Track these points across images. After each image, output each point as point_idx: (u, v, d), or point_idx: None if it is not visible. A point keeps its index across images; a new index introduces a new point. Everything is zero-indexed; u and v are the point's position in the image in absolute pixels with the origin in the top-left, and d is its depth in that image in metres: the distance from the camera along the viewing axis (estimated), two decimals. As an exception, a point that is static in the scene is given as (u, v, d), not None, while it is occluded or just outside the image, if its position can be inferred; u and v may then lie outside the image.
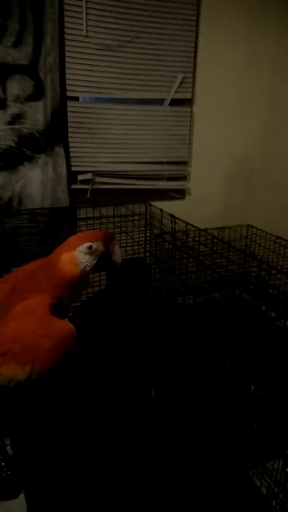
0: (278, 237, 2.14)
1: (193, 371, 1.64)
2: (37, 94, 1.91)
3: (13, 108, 1.88)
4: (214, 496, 1.28)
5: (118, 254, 1.11)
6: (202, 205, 2.47)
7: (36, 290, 1.03)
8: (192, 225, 1.94)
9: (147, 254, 2.32)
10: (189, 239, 1.99)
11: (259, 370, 1.52)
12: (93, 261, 1.06)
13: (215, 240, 1.90)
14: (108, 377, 1.61)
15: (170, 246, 1.94)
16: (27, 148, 1.95)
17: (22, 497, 1.32)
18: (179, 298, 2.02)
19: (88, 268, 1.06)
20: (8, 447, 1.42)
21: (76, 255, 1.04)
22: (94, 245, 1.04)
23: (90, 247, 1.04)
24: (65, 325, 1.00)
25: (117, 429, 1.46)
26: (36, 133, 1.95)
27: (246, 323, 1.79)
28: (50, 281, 1.04)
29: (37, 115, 1.93)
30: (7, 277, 1.16)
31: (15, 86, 1.86)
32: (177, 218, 2.01)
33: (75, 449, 1.38)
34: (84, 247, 1.04)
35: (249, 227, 2.37)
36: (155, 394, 1.62)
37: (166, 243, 1.98)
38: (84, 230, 2.09)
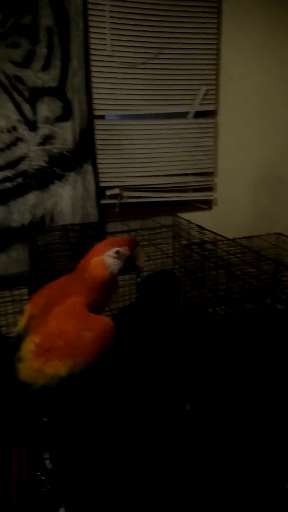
0: (309, 245, 2.10)
1: (228, 384, 1.62)
2: (65, 114, 1.98)
3: (44, 130, 1.95)
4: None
5: (142, 258, 1.19)
6: (229, 215, 2.46)
7: (71, 293, 1.10)
8: (221, 235, 1.94)
9: (176, 266, 2.33)
10: (218, 249, 1.99)
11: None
12: (120, 264, 1.13)
13: (245, 250, 1.89)
14: (142, 391, 1.62)
15: (199, 257, 1.94)
16: (58, 167, 2.02)
17: (62, 511, 1.34)
18: (210, 309, 2.02)
19: (116, 271, 1.13)
20: (47, 461, 1.45)
21: (105, 259, 1.11)
22: (121, 249, 1.12)
23: (117, 252, 1.11)
24: (103, 319, 1.08)
25: (153, 442, 1.46)
26: (65, 152, 2.01)
27: (280, 334, 1.77)
28: (83, 284, 1.10)
29: (66, 135, 2.00)
30: (40, 291, 1.22)
31: (45, 108, 1.94)
32: (205, 229, 2.02)
33: (113, 461, 1.40)
34: (112, 251, 1.11)
35: (279, 236, 2.34)
36: (190, 408, 1.62)
37: (195, 254, 1.99)
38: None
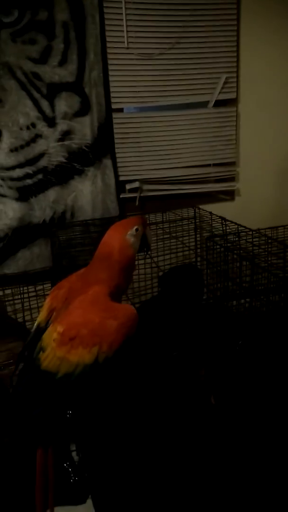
0: None
1: (254, 377, 1.59)
2: (83, 109, 1.98)
3: (62, 125, 1.96)
4: None
5: (151, 235, 1.28)
6: (253, 205, 2.41)
7: (93, 283, 1.11)
8: (244, 227, 1.90)
9: (198, 259, 2.29)
10: (241, 241, 1.95)
11: None
12: (138, 243, 1.20)
13: (270, 241, 1.83)
14: (166, 383, 1.61)
15: (222, 249, 1.90)
16: (77, 163, 2.02)
17: (89, 502, 1.35)
18: (234, 302, 1.98)
19: (137, 249, 1.19)
20: (74, 453, 1.46)
21: (127, 238, 1.16)
22: (139, 228, 1.18)
23: (137, 229, 1.17)
24: (127, 307, 1.10)
25: (178, 435, 1.45)
26: (84, 147, 2.01)
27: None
28: (106, 270, 1.13)
29: (84, 130, 1.99)
30: (60, 283, 1.23)
31: (63, 104, 1.94)
32: (228, 220, 1.97)
33: (138, 452, 1.39)
34: (133, 230, 1.17)
35: (305, 225, 2.26)
36: (215, 401, 1.59)
37: (218, 246, 1.95)
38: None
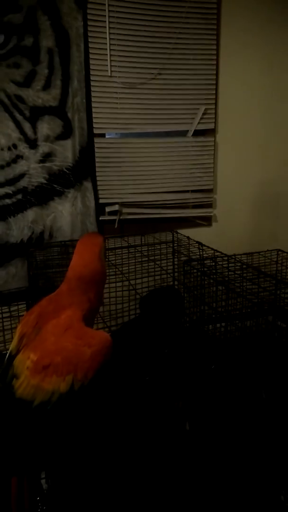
0: (309, 261, 2.09)
1: (228, 402, 1.59)
2: (66, 133, 2.01)
3: (44, 147, 1.98)
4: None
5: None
6: (229, 232, 2.46)
7: (65, 307, 1.11)
8: (221, 252, 1.94)
9: (176, 282, 2.31)
10: (217, 266, 1.98)
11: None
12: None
13: (244, 266, 1.88)
14: (141, 408, 1.59)
15: (199, 273, 1.93)
16: (57, 184, 2.03)
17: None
18: (210, 326, 2.00)
19: (105, 261, 1.24)
20: (43, 481, 1.41)
21: (100, 257, 1.21)
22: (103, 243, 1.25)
23: (103, 245, 1.24)
24: (101, 334, 1.09)
25: (152, 461, 1.42)
26: (65, 170, 2.03)
27: (282, 351, 1.74)
28: (78, 289, 1.14)
29: (66, 153, 2.02)
30: (31, 309, 1.21)
31: (45, 127, 1.97)
32: (205, 245, 2.01)
33: (110, 478, 1.35)
34: (102, 245, 1.23)
35: (279, 252, 2.33)
36: (189, 427, 1.58)
37: (195, 271, 1.98)
38: (113, 259, 2.12)
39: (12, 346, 1.14)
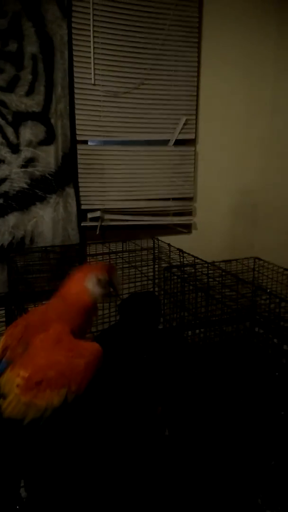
0: (286, 269, 2.16)
1: (207, 407, 1.62)
2: (48, 139, 2.01)
3: (26, 153, 1.98)
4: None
5: (119, 282, 1.30)
6: (208, 239, 2.52)
7: (54, 320, 1.10)
8: (201, 259, 1.98)
9: (156, 288, 2.34)
10: (197, 273, 2.02)
11: (275, 405, 1.50)
12: (101, 290, 1.20)
13: (223, 273, 1.92)
14: (119, 414, 1.60)
15: (179, 279, 1.97)
16: (39, 189, 2.03)
17: None
18: (189, 332, 2.03)
19: (98, 297, 1.20)
20: (22, 489, 1.39)
21: (87, 286, 1.17)
22: (102, 277, 1.19)
23: (99, 280, 1.18)
24: (92, 345, 1.10)
25: (132, 469, 1.43)
26: (47, 175, 2.03)
27: (259, 356, 1.79)
28: (66, 312, 1.13)
29: (48, 158, 2.02)
30: (16, 321, 1.21)
31: (28, 132, 1.97)
32: (185, 252, 2.05)
33: (90, 487, 1.35)
34: (94, 279, 1.18)
35: (256, 260, 2.40)
36: (168, 433, 1.59)
37: (175, 277, 2.01)
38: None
39: None
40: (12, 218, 2.01)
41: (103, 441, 1.48)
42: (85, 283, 1.17)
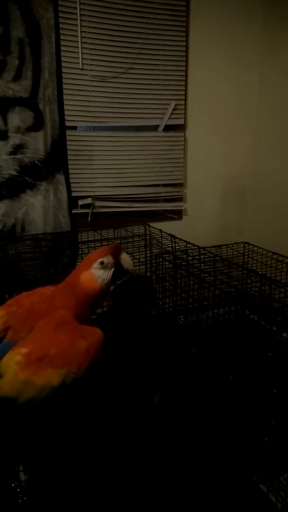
0: (274, 253, 2.20)
1: (198, 385, 1.65)
2: (37, 125, 1.99)
3: (15, 139, 1.95)
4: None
5: (128, 261, 1.21)
6: (198, 225, 2.54)
7: (59, 307, 1.09)
8: (192, 244, 2.00)
9: (148, 274, 2.36)
10: (189, 258, 2.04)
11: (266, 383, 1.54)
12: (109, 274, 1.16)
13: (217, 258, 1.95)
14: (112, 396, 1.62)
15: (171, 265, 1.98)
16: (29, 176, 2.01)
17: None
18: (182, 316, 2.06)
19: (106, 281, 1.16)
20: (21, 473, 1.41)
21: (92, 272, 1.14)
22: (105, 259, 1.14)
23: (102, 263, 1.14)
24: (95, 329, 1.08)
25: (130, 449, 1.46)
26: (37, 162, 2.01)
27: (248, 337, 1.82)
28: (73, 299, 1.11)
29: (37, 145, 2.00)
30: (19, 300, 1.18)
31: (16, 118, 1.94)
32: (177, 238, 2.07)
33: (86, 465, 1.38)
34: (97, 263, 1.14)
35: (246, 244, 2.43)
36: (158, 400, 1.62)
37: (167, 263, 2.03)
38: (87, 253, 2.13)
39: None
40: (2, 206, 1.99)
41: (99, 428, 1.50)
42: (90, 270, 1.14)
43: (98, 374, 1.10)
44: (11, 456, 1.09)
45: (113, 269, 1.16)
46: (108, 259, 1.15)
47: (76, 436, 1.41)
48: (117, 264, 1.17)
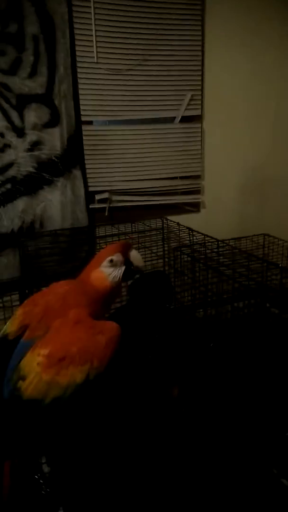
0: (295, 244, 2.15)
1: (217, 379, 1.64)
2: (53, 121, 2.00)
3: (32, 136, 1.97)
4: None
5: (138, 259, 1.19)
6: (217, 217, 2.50)
7: (72, 306, 1.09)
8: (211, 237, 1.97)
9: (166, 268, 2.35)
10: (207, 251, 2.02)
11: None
12: (119, 272, 1.15)
13: (236, 251, 1.92)
14: (131, 390, 1.63)
15: (189, 258, 1.97)
16: (46, 173, 2.03)
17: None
18: (201, 310, 2.04)
19: (117, 279, 1.14)
20: (44, 465, 1.44)
21: (102, 270, 1.13)
22: (114, 257, 1.14)
23: (111, 261, 1.13)
24: (111, 323, 1.09)
25: (150, 445, 1.47)
26: (54, 158, 2.03)
27: (268, 331, 1.80)
28: (85, 297, 1.11)
29: (54, 141, 2.01)
30: (34, 300, 1.18)
31: (32, 115, 1.95)
32: (194, 231, 2.05)
33: (111, 463, 1.40)
34: (106, 261, 1.14)
35: (266, 236, 2.39)
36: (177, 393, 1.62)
37: (185, 256, 2.01)
38: (104, 247, 2.14)
39: (10, 329, 1.11)
40: (21, 203, 2.01)
41: (120, 421, 1.51)
42: (100, 268, 1.14)
43: (118, 367, 1.11)
44: (35, 450, 1.11)
45: (124, 267, 1.15)
46: (117, 257, 1.14)
47: (98, 429, 1.43)
48: (127, 261, 1.16)
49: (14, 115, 1.92)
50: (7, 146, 1.93)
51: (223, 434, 1.47)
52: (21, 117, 1.94)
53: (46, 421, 0.99)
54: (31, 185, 2.01)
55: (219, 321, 1.87)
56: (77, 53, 2.01)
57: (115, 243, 1.25)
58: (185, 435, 1.49)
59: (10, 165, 1.96)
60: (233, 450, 1.41)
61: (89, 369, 0.99)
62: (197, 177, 2.44)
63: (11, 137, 1.93)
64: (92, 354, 1.00)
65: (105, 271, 1.13)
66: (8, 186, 1.97)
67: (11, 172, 1.96)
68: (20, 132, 1.95)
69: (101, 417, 1.44)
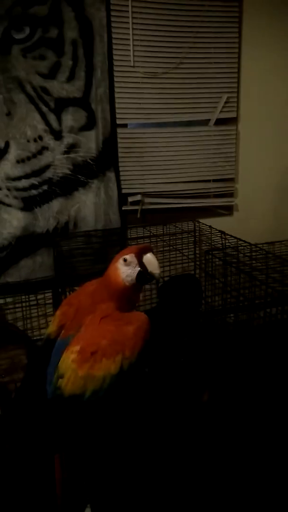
0: None
1: (247, 384, 1.62)
2: (89, 124, 2.04)
3: (68, 139, 2.01)
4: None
5: (152, 264, 1.15)
6: (250, 221, 2.47)
7: (99, 303, 1.13)
8: (244, 241, 1.95)
9: (197, 271, 2.34)
10: (239, 255, 1.99)
11: None
12: (132, 272, 1.14)
13: (270, 255, 1.88)
14: (163, 391, 1.63)
15: (221, 262, 1.95)
16: (81, 175, 2.07)
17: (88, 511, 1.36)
18: (232, 315, 2.02)
19: (129, 278, 1.13)
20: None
21: (117, 267, 1.15)
22: (128, 257, 1.14)
23: (125, 260, 1.14)
24: (138, 313, 1.13)
25: (176, 445, 1.47)
26: (89, 160, 2.06)
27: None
28: (108, 293, 1.15)
29: (89, 144, 2.05)
30: (69, 300, 1.24)
31: (70, 118, 2.00)
32: (227, 234, 2.02)
33: (138, 461, 1.41)
34: (121, 259, 1.15)
35: (301, 241, 2.32)
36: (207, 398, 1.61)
37: (217, 259, 2.00)
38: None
39: (50, 330, 1.17)
40: (56, 204, 2.06)
41: (151, 420, 1.52)
42: (115, 265, 1.16)
43: (152, 366, 1.11)
44: (81, 443, 1.14)
45: (138, 268, 1.13)
46: (131, 258, 1.13)
47: (131, 423, 1.44)
48: (142, 265, 1.14)
49: (52, 118, 1.97)
50: (45, 148, 1.99)
51: (251, 439, 1.45)
52: (59, 120, 1.99)
53: (88, 415, 1.02)
54: (66, 186, 2.06)
55: (251, 326, 1.85)
56: (114, 57, 2.04)
57: (135, 245, 1.26)
58: (214, 438, 1.48)
59: (47, 167, 2.01)
60: (261, 455, 1.39)
61: (122, 359, 1.02)
62: (231, 180, 2.41)
63: (48, 140, 1.98)
64: (122, 345, 1.03)
65: (119, 268, 1.14)
66: (45, 187, 2.02)
67: (48, 174, 2.02)
68: (57, 135, 2.00)
69: (135, 415, 1.45)
